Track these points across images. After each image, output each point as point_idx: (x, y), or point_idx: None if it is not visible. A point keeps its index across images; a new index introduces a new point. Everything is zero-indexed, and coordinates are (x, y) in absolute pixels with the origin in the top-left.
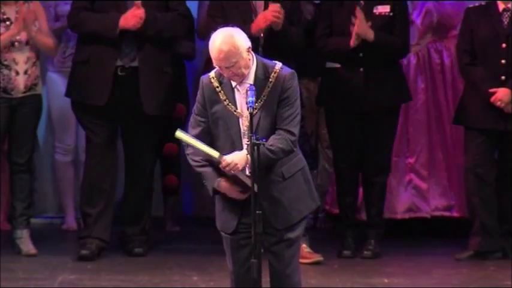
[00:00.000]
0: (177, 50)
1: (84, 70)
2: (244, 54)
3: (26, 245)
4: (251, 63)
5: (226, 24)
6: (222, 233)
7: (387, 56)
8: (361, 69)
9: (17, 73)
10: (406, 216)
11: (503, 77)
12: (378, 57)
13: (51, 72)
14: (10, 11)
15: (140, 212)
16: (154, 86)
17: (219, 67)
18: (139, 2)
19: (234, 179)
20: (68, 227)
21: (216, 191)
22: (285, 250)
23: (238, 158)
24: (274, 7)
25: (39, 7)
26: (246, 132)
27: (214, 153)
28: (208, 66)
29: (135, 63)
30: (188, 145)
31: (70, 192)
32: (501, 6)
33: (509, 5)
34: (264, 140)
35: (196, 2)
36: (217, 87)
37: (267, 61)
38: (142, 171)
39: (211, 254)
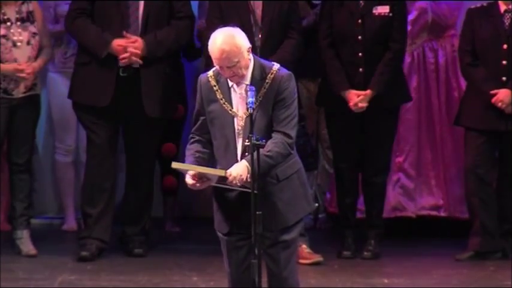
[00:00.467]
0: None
1: (86, 72)
2: (245, 54)
3: (26, 245)
4: (250, 63)
5: (224, 25)
6: (219, 234)
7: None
8: (361, 69)
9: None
10: (392, 215)
11: (504, 78)
12: (378, 57)
13: (52, 73)
14: (10, 12)
15: (140, 213)
16: (155, 87)
17: (220, 67)
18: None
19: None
20: (68, 228)
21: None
22: (281, 252)
23: (241, 170)
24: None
25: (37, 7)
26: (241, 132)
27: (219, 172)
28: (208, 67)
29: (136, 65)
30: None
31: (70, 192)
32: (502, 7)
33: (510, 6)
34: (263, 140)
35: (196, 2)
36: (215, 85)
37: (264, 62)
38: (143, 171)
39: (211, 254)
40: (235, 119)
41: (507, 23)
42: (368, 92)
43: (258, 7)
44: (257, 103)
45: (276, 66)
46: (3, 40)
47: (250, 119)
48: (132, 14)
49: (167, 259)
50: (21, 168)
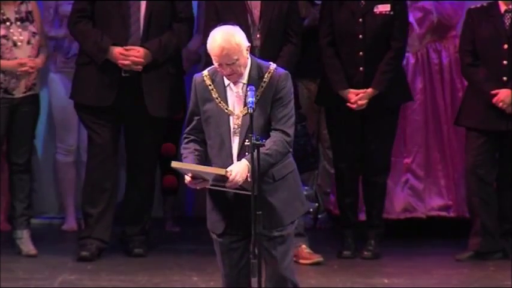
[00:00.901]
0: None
1: (88, 72)
2: (244, 53)
3: (26, 245)
4: (247, 62)
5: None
6: (212, 235)
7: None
8: (361, 68)
9: (20, 74)
10: (402, 216)
11: (504, 78)
12: (378, 56)
13: (53, 73)
14: (10, 11)
15: (141, 213)
16: (158, 87)
17: (219, 64)
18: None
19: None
20: (68, 228)
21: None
22: (277, 247)
23: (241, 169)
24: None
25: (35, 7)
26: (237, 131)
27: (220, 171)
28: (208, 65)
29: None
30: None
31: (71, 192)
32: (503, 7)
33: (510, 6)
34: (263, 140)
35: (196, 2)
36: (210, 85)
37: (261, 61)
38: (144, 171)
39: (211, 254)
40: (230, 118)
41: (507, 23)
42: (369, 90)
43: (255, 7)
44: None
45: (273, 65)
46: (3, 40)
47: (251, 118)
48: (133, 14)
49: (167, 259)
50: (21, 168)
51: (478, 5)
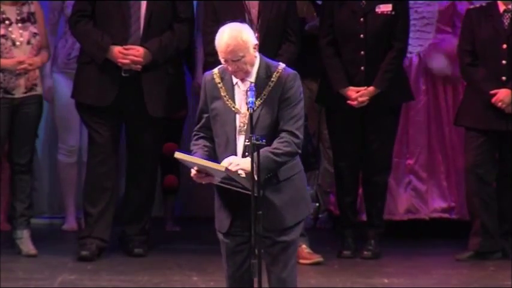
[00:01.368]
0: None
1: (89, 71)
2: (251, 50)
3: (26, 245)
4: (255, 61)
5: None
6: (219, 235)
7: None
8: (362, 67)
9: (19, 73)
10: (405, 217)
11: (504, 78)
12: (380, 55)
13: (55, 73)
14: (10, 11)
15: (141, 212)
16: (157, 88)
17: (225, 60)
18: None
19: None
20: (68, 228)
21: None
22: (280, 253)
23: (241, 160)
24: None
25: (38, 9)
26: (243, 130)
27: (219, 167)
28: (207, 66)
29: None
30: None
31: (71, 192)
32: (502, 7)
33: (509, 6)
34: (263, 140)
35: (195, 2)
36: (219, 83)
37: (270, 61)
38: (144, 171)
39: (211, 254)
40: (237, 116)
41: (506, 23)
42: (371, 88)
43: (253, 7)
44: (261, 101)
45: (282, 65)
46: (2, 40)
47: (251, 118)
48: (134, 14)
49: (167, 259)
50: (23, 169)
51: (477, 5)
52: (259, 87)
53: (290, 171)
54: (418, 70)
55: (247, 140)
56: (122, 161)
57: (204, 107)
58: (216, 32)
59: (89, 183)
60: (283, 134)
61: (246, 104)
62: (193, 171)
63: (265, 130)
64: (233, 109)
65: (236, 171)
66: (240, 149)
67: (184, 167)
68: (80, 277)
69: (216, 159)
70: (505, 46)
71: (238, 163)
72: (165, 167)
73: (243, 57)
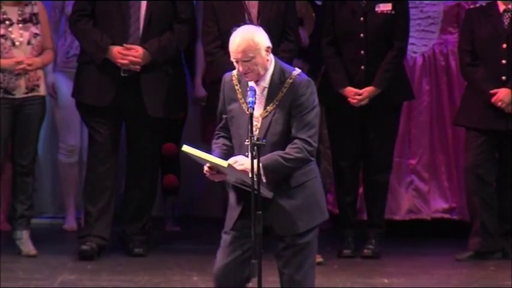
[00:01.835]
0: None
1: (89, 70)
2: (263, 53)
3: (26, 245)
4: (269, 64)
5: (218, 28)
6: (225, 230)
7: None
8: (362, 67)
9: (18, 73)
10: (407, 217)
11: (503, 78)
12: (380, 55)
13: (54, 72)
14: (11, 12)
15: (141, 212)
16: (157, 88)
17: (236, 60)
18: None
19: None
20: (68, 227)
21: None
22: (293, 256)
23: (243, 159)
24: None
25: (42, 10)
26: (256, 133)
27: (223, 163)
28: (210, 68)
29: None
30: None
31: (71, 192)
32: (501, 6)
33: (509, 6)
34: (263, 140)
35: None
36: (237, 85)
37: (286, 66)
38: (144, 171)
39: (211, 254)
40: None
41: (506, 23)
42: (370, 88)
43: (253, 7)
44: (273, 106)
45: (297, 71)
46: (2, 40)
47: (251, 119)
48: (133, 14)
49: (167, 259)
50: (25, 170)
51: (477, 5)
52: (272, 92)
53: (303, 178)
54: (422, 70)
55: (247, 140)
56: (122, 161)
57: (222, 108)
58: (215, 32)
59: (89, 183)
60: (296, 141)
61: (247, 103)
62: (205, 168)
63: (277, 136)
64: (247, 112)
65: (239, 170)
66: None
67: (185, 167)
68: (80, 277)
69: None
70: (504, 46)
71: (243, 163)
72: (165, 166)
73: (253, 58)
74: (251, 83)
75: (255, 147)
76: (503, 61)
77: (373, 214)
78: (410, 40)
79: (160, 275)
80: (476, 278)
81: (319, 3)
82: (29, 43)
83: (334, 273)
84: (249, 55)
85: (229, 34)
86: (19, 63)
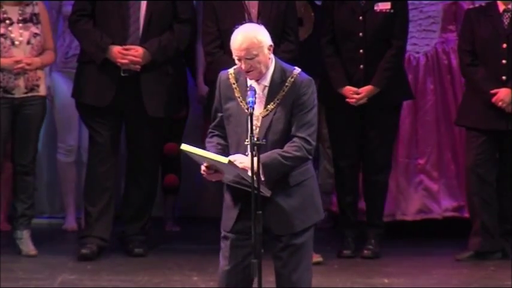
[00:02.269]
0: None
1: (89, 70)
2: (265, 51)
3: (26, 245)
4: (270, 63)
5: (218, 28)
6: (223, 231)
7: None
8: (361, 66)
9: (17, 72)
10: (418, 217)
11: (504, 77)
12: (379, 54)
13: (53, 72)
14: (12, 11)
15: (141, 212)
16: (157, 88)
17: (239, 58)
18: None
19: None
20: (68, 227)
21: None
22: (290, 256)
23: (244, 158)
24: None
25: (43, 10)
26: (255, 132)
27: (223, 159)
28: (210, 67)
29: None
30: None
31: (71, 192)
32: (501, 6)
33: (509, 6)
34: (264, 140)
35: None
36: (234, 83)
37: (286, 65)
38: (144, 171)
39: (211, 254)
40: (249, 118)
41: (506, 23)
42: (369, 87)
43: (253, 7)
44: (274, 105)
45: (297, 70)
46: (1, 39)
47: (251, 118)
48: (133, 14)
49: (167, 259)
50: (24, 169)
51: (477, 5)
52: (272, 90)
53: (301, 177)
54: (425, 70)
55: (247, 140)
56: (122, 161)
57: (218, 106)
58: (215, 32)
59: (89, 183)
60: (295, 139)
61: (246, 103)
62: (202, 167)
63: (278, 134)
64: (246, 111)
65: (240, 167)
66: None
67: (185, 167)
68: (80, 277)
69: None
70: (504, 46)
71: (243, 161)
72: (166, 166)
73: (256, 55)
74: (251, 82)
75: (255, 147)
76: (504, 61)
77: (372, 214)
78: (413, 40)
79: (160, 275)
80: (476, 278)
81: (318, 3)
82: (28, 43)
83: (334, 273)
84: (252, 53)
85: (229, 34)
86: (18, 62)
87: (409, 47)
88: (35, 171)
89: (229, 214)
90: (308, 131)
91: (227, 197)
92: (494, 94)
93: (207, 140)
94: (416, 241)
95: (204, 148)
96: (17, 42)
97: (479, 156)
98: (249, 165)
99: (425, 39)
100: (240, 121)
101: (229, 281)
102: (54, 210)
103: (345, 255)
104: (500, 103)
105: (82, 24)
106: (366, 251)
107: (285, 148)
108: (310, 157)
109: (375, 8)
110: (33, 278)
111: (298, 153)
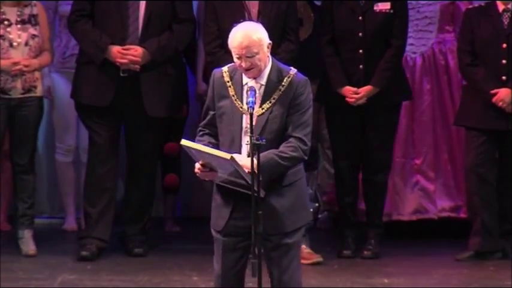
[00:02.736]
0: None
1: (88, 71)
2: (265, 49)
3: (27, 245)
4: (268, 61)
5: (218, 28)
6: (213, 233)
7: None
8: (361, 66)
9: (15, 74)
10: (414, 217)
11: (504, 77)
12: (378, 54)
13: (52, 73)
14: (10, 12)
15: (141, 212)
16: (156, 88)
17: (239, 56)
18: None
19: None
20: (68, 228)
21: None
22: (282, 256)
23: (245, 159)
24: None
25: (42, 11)
26: (249, 131)
27: (225, 155)
28: (210, 67)
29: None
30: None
31: (70, 192)
32: (501, 6)
33: (509, 6)
34: (263, 140)
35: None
36: (228, 82)
37: (282, 65)
38: (144, 171)
39: (211, 254)
40: (244, 117)
41: (506, 22)
42: (369, 87)
43: (253, 7)
44: (270, 104)
45: (293, 70)
46: (0, 40)
47: (251, 118)
48: (132, 14)
49: (167, 259)
50: (23, 169)
51: (476, 5)
52: (269, 89)
53: (293, 177)
54: (422, 70)
55: (247, 141)
56: (122, 161)
57: (210, 104)
58: (216, 31)
59: (89, 184)
60: (291, 139)
61: (246, 103)
62: (197, 166)
63: (273, 134)
64: (241, 109)
65: (240, 165)
66: (244, 149)
67: (185, 167)
68: (80, 277)
69: None
70: (504, 45)
71: (241, 160)
72: (167, 166)
73: (257, 53)
74: (247, 81)
75: (255, 147)
76: (504, 61)
77: (372, 214)
78: (409, 41)
79: (160, 275)
80: (476, 278)
81: (318, 3)
82: (26, 44)
83: (334, 273)
84: (253, 51)
85: (229, 33)
86: (16, 64)
87: (405, 47)
88: (35, 170)
89: (220, 213)
90: (304, 131)
91: (217, 197)
92: (495, 94)
93: (197, 138)
94: (416, 241)
95: None
96: (15, 44)
97: (479, 156)
98: (248, 164)
99: (422, 39)
100: (233, 119)
101: (223, 285)
102: (54, 210)
103: (345, 256)
104: (500, 103)
105: (81, 24)
106: (365, 251)
107: (281, 148)
108: (306, 158)
109: (375, 8)
110: (33, 278)
111: (294, 154)
